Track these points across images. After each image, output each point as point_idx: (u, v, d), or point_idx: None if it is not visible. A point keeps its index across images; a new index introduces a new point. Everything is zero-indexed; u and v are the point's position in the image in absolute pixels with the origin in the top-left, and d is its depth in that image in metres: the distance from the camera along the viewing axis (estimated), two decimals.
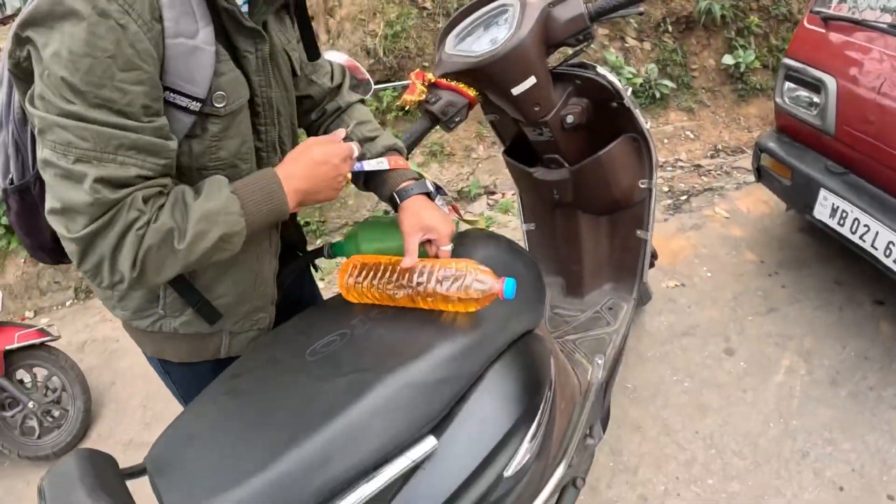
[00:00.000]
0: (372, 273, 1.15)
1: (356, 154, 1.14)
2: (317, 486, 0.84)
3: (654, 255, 2.40)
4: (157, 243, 0.89)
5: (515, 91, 1.62)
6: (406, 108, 3.26)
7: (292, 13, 1.16)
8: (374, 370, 0.96)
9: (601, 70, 1.75)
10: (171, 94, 0.92)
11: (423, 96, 1.56)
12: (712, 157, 3.91)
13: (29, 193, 1.05)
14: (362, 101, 1.43)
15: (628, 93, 1.78)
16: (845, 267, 2.75)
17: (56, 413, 2.90)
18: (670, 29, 4.03)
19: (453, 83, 1.59)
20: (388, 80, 3.65)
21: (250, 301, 1.20)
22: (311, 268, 1.52)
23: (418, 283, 1.08)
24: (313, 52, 1.20)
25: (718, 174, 3.70)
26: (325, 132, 1.35)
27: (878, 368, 2.32)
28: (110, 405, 3.04)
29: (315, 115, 1.37)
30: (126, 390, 3.08)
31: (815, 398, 2.25)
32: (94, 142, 0.84)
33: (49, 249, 1.15)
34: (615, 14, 1.65)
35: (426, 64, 3.73)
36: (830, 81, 2.31)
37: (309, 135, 1.38)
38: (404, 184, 1.23)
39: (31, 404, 2.82)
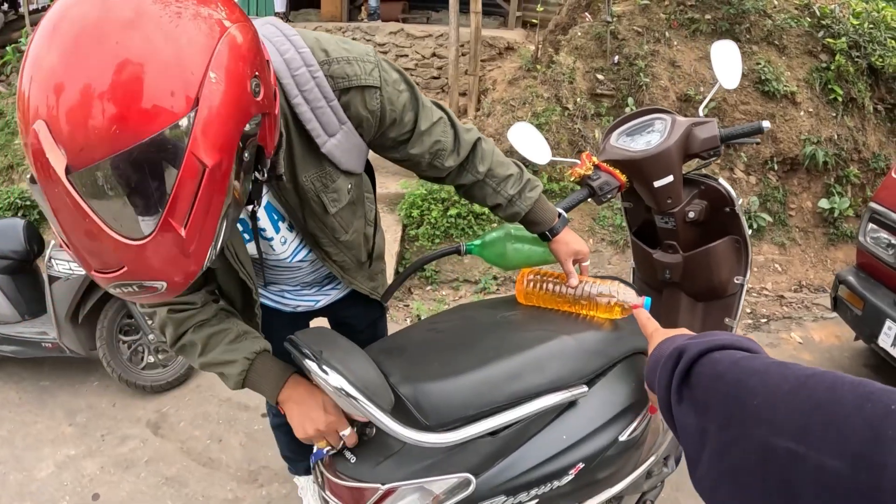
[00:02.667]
0: (543, 283, 1.58)
1: (344, 434, 1.27)
2: (510, 391, 1.26)
3: None
4: (187, 346, 1.30)
5: (657, 184, 2.07)
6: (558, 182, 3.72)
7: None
8: (554, 330, 1.39)
9: (722, 181, 2.20)
10: None
11: (589, 172, 2.03)
12: (795, 291, 4.19)
13: None
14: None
15: (739, 202, 2.20)
16: None
17: (165, 354, 3.18)
18: (776, 168, 4.41)
19: (611, 168, 2.05)
20: (525, 162, 4.20)
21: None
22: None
23: (582, 294, 1.51)
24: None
25: (799, 307, 3.98)
26: (471, 197, 1.53)
27: None
28: None
29: (457, 184, 1.50)
30: None
31: None
32: None
33: None
34: (739, 140, 2.13)
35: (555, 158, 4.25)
36: None
37: (460, 194, 1.57)
38: (554, 223, 1.57)
39: (150, 337, 3.11)
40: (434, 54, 5.89)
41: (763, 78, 4.43)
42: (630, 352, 1.53)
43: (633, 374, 1.52)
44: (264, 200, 1.26)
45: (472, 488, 1.24)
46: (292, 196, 1.24)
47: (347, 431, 1.25)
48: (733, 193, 2.19)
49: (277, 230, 1.34)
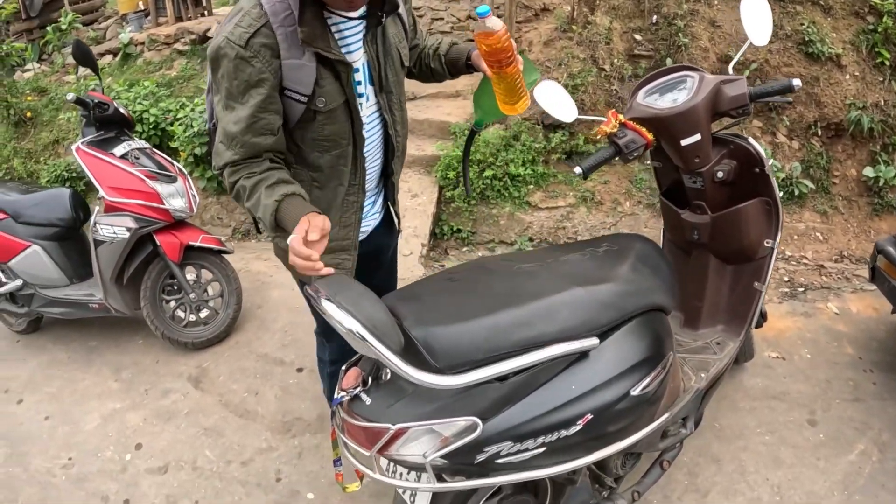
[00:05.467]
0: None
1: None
2: (518, 338, 1.29)
3: (763, 316, 2.69)
4: (239, 192, 1.53)
5: (684, 142, 2.05)
6: (573, 148, 3.73)
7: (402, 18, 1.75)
8: (568, 281, 1.41)
9: (752, 141, 2.16)
10: (288, 91, 1.51)
11: (615, 130, 2.02)
12: (836, 261, 4.07)
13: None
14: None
15: (769, 163, 2.16)
16: None
17: (206, 313, 3.31)
18: (819, 133, 4.26)
19: (638, 126, 2.04)
20: (560, 124, 4.20)
21: (336, 239, 1.71)
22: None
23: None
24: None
25: (838, 277, 3.87)
26: (438, 59, 1.91)
27: None
28: (254, 321, 3.49)
29: (431, 51, 1.93)
30: (271, 315, 3.53)
31: (880, 483, 2.39)
32: (224, 136, 1.52)
33: None
34: (769, 99, 2.09)
35: (581, 116, 4.23)
36: None
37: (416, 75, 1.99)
38: (469, 51, 1.81)
39: (192, 296, 3.24)
40: (469, 17, 5.75)
41: (807, 39, 4.27)
42: (646, 307, 1.54)
43: (648, 329, 1.54)
44: (362, 59, 1.62)
45: (478, 432, 1.28)
46: (381, 48, 1.64)
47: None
48: (763, 153, 2.16)
49: (367, 87, 1.67)
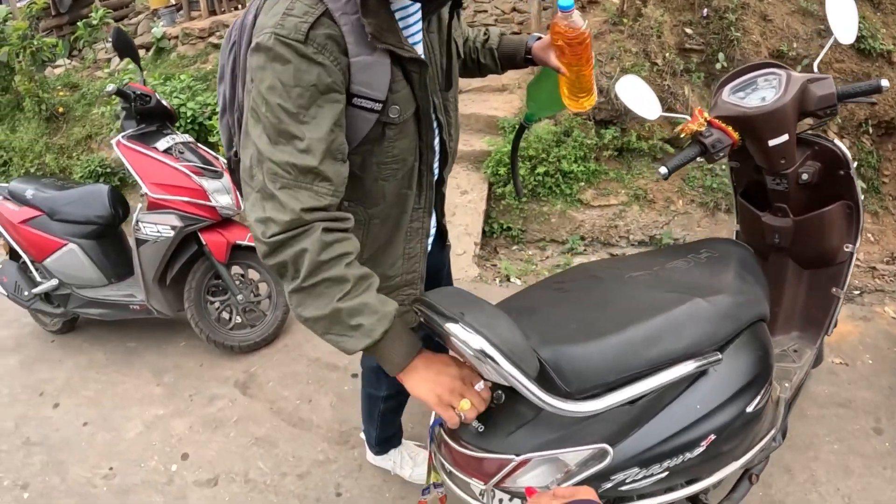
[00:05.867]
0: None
1: (479, 387, 1.18)
2: (649, 356, 1.21)
3: (834, 322, 2.60)
4: (331, 280, 1.10)
5: (771, 143, 1.96)
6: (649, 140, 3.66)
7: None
8: (688, 292, 1.33)
9: (837, 142, 2.07)
10: (357, 99, 1.19)
11: (702, 128, 1.93)
12: (887, 263, 3.97)
13: None
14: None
15: (854, 165, 2.08)
16: None
17: (254, 314, 3.19)
18: (870, 131, 4.16)
19: (723, 125, 1.95)
20: (612, 120, 4.13)
21: (400, 273, 1.51)
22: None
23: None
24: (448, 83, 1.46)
25: (891, 279, 3.79)
26: (487, 50, 1.75)
27: None
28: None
29: (475, 45, 1.77)
30: None
31: None
32: (296, 172, 1.11)
33: None
34: (856, 99, 2.00)
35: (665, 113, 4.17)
36: None
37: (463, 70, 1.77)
38: (527, 44, 1.64)
39: (238, 297, 3.12)
40: (514, 9, 5.63)
41: (859, 35, 4.16)
42: (755, 318, 1.46)
43: (757, 341, 1.46)
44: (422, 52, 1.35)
45: (609, 459, 1.19)
46: (437, 39, 1.39)
47: (481, 385, 1.16)
48: (849, 155, 2.07)
49: None
